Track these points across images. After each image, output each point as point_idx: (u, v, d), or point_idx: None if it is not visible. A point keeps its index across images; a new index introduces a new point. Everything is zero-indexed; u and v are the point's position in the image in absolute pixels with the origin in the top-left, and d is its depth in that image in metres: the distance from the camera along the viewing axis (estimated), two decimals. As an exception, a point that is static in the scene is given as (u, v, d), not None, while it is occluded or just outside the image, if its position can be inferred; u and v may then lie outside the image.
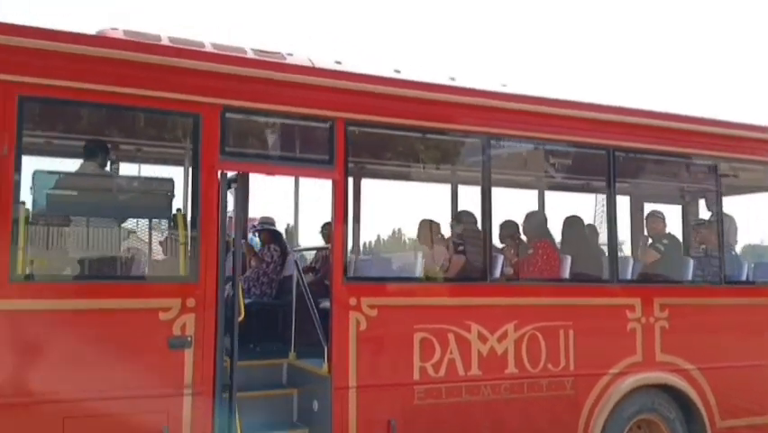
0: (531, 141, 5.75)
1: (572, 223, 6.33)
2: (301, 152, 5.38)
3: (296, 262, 6.07)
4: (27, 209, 4.02)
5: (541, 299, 5.46)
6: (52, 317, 3.97)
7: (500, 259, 5.57)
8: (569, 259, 5.83)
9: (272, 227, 7.15)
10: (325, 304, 5.41)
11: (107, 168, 4.91)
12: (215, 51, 4.59)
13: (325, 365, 4.81)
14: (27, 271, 4.02)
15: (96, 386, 4.00)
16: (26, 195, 4.08)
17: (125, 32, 4.56)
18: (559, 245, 6.10)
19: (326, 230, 7.44)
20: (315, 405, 4.91)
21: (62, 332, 3.98)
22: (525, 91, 5.63)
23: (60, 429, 3.90)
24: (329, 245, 6.79)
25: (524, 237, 6.30)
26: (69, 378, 3.95)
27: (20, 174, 3.96)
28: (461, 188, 7.16)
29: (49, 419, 3.89)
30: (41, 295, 3.98)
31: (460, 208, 6.38)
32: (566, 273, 5.82)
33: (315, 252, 7.56)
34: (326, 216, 7.36)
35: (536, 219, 6.30)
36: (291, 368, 5.45)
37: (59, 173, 4.43)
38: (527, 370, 5.28)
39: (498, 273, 5.48)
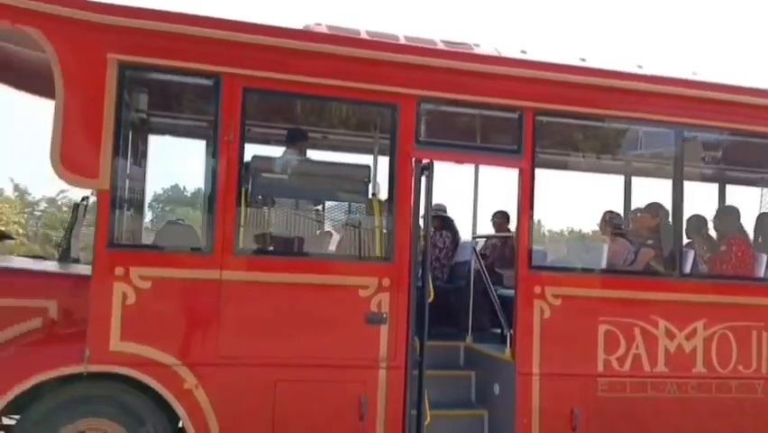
0: (723, 131, 5.50)
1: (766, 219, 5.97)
2: (488, 141, 5.47)
3: (473, 248, 6.20)
4: (247, 190, 4.45)
5: (734, 297, 5.21)
6: (268, 289, 4.38)
7: (691, 254, 5.37)
8: (764, 257, 5.51)
9: (444, 214, 7.33)
10: (502, 291, 5.50)
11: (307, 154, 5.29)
12: (411, 44, 4.79)
13: (508, 351, 4.92)
14: (248, 247, 4.46)
15: (304, 353, 4.36)
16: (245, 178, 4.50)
17: (329, 27, 4.87)
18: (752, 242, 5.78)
19: (497, 219, 7.52)
20: (497, 388, 5.02)
21: (275, 302, 4.37)
22: (718, 80, 5.38)
23: (272, 390, 4.30)
24: (508, 233, 6.91)
25: (712, 233, 6.02)
26: (281, 345, 4.34)
27: (243, 159, 4.40)
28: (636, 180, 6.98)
29: (263, 380, 4.29)
30: (259, 268, 4.39)
31: (648, 201, 6.19)
32: (761, 272, 5.50)
33: (484, 240, 7.65)
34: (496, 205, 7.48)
35: (730, 215, 5.99)
36: (468, 351, 5.60)
37: (271, 158, 4.84)
38: (716, 370, 5.08)
39: (688, 269, 5.30)
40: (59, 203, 39.30)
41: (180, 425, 4.29)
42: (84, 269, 4.79)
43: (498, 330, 5.45)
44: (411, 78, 4.65)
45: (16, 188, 35.93)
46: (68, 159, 4.07)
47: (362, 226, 4.76)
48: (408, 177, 4.62)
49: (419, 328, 4.61)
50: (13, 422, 4.11)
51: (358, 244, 4.71)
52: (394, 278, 4.52)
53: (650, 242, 5.51)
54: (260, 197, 4.66)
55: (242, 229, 4.36)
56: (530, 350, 4.78)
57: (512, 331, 4.88)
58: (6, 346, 4.27)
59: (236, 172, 4.34)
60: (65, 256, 5.78)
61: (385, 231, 4.66)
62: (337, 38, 4.60)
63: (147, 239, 5.54)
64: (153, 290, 4.15)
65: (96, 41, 4.15)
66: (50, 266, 5.30)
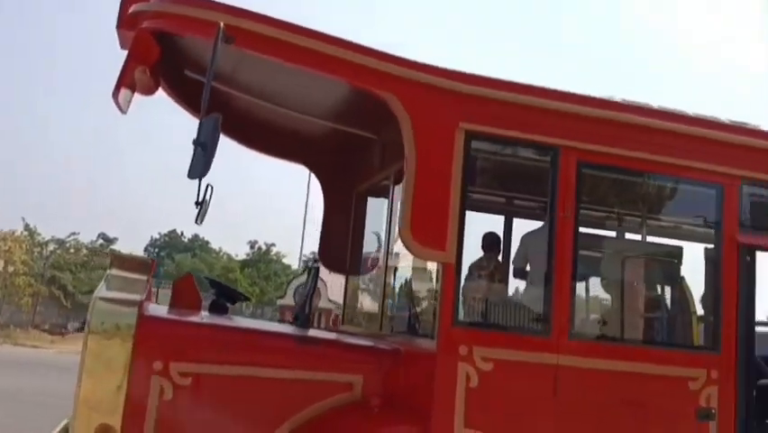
0: None
1: None
2: None
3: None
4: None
5: None
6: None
7: None
8: None
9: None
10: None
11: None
12: (730, 124, 4.61)
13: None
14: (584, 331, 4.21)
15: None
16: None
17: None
18: None
19: None
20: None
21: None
22: None
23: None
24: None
25: None
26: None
27: (576, 233, 4.18)
28: None
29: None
30: (590, 353, 4.13)
31: None
32: None
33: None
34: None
35: None
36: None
37: (594, 236, 4.64)
38: None
39: None
40: (68, 245, 39.88)
41: None
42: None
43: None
44: (735, 159, 4.44)
45: (26, 227, 36.30)
46: (418, 229, 3.88)
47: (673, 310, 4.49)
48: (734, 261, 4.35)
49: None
50: None
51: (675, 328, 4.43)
52: (722, 369, 4.23)
53: None
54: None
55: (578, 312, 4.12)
56: None
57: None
58: (330, 425, 3.99)
59: (569, 249, 4.12)
60: (304, 322, 5.58)
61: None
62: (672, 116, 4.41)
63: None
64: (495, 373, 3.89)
65: (449, 109, 4.01)
66: (354, 339, 5.04)
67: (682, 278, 4.72)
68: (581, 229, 4.34)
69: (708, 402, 4.20)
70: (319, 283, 25.32)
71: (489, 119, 4.09)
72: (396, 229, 5.09)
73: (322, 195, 6.10)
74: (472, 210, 5.03)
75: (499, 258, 5.30)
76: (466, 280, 4.33)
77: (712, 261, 4.45)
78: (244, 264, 50.49)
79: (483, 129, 4.09)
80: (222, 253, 60.73)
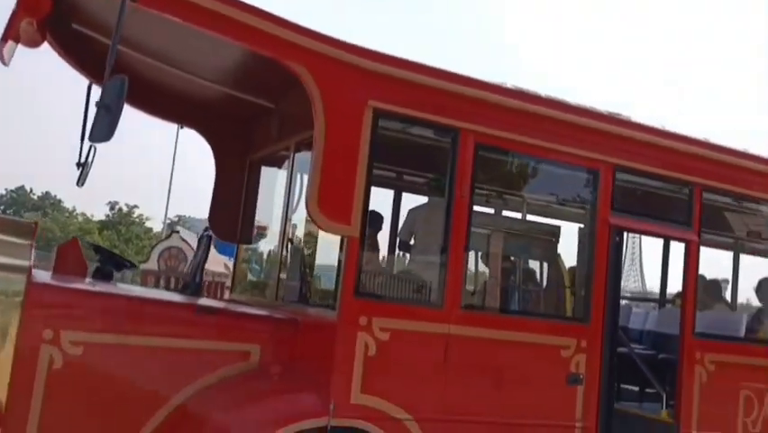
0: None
1: None
2: (666, 213, 5.53)
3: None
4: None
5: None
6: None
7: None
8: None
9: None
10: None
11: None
12: (607, 114, 5.04)
13: (664, 412, 5.20)
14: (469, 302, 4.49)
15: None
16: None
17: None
18: None
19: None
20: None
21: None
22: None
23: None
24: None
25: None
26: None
27: (470, 212, 4.44)
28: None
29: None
30: (478, 323, 4.44)
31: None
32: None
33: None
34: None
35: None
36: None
37: (486, 215, 4.91)
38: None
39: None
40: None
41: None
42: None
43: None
44: (608, 147, 4.88)
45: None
46: (325, 203, 3.96)
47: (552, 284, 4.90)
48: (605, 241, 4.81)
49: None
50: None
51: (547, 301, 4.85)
52: (590, 339, 4.69)
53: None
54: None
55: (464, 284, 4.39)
56: (690, 412, 5.07)
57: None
58: (222, 394, 4.01)
59: (464, 227, 4.37)
60: (195, 289, 5.51)
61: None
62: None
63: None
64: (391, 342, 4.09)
65: (359, 86, 4.08)
66: (251, 308, 4.99)
67: (559, 255, 5.15)
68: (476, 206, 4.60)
69: (578, 369, 4.64)
70: (185, 248, 24.34)
71: (396, 98, 4.21)
72: (295, 200, 5.13)
73: (214, 163, 5.99)
74: (377, 186, 5.21)
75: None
76: (367, 252, 4.46)
77: (586, 240, 4.89)
78: (103, 226, 47.92)
79: (391, 108, 4.21)
80: (76, 213, 57.30)
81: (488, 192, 5.60)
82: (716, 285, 6.62)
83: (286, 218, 5.16)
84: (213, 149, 5.97)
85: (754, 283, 6.76)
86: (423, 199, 5.73)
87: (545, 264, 5.25)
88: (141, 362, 3.91)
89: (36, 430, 3.58)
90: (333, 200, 4.00)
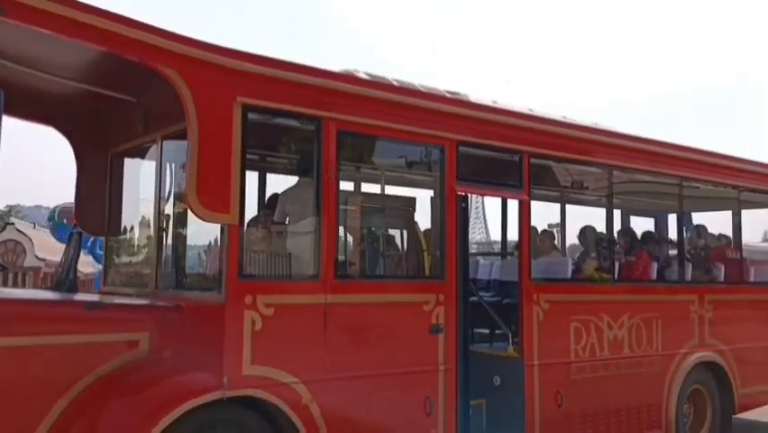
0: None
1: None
2: (501, 177, 6.36)
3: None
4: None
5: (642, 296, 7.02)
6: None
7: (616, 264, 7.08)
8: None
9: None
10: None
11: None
12: (450, 96, 5.71)
13: (511, 348, 6.07)
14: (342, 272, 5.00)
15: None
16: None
17: (367, 74, 5.53)
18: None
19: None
20: (497, 380, 6.13)
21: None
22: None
23: (367, 399, 4.92)
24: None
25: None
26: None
27: (338, 192, 4.93)
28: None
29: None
30: (352, 290, 4.98)
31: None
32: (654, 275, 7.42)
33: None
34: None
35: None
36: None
37: (351, 193, 5.38)
38: (636, 350, 6.78)
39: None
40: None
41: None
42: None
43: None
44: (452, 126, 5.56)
45: None
46: (204, 195, 4.26)
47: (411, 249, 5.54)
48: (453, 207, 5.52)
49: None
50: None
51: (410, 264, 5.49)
52: (447, 294, 5.40)
53: (593, 255, 7.12)
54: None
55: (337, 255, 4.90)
56: (531, 346, 5.96)
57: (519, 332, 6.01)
58: (123, 379, 4.25)
59: (332, 203, 4.86)
60: (69, 286, 5.58)
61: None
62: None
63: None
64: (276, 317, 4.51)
65: (227, 84, 4.38)
66: (133, 299, 5.12)
67: (416, 222, 5.78)
68: (341, 186, 5.09)
69: (438, 320, 5.34)
70: (23, 240, 22.80)
71: (263, 94, 4.56)
72: (166, 190, 5.34)
73: (74, 158, 5.98)
74: (251, 172, 5.55)
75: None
76: (247, 234, 4.81)
77: (437, 207, 5.56)
78: None
79: (258, 102, 4.56)
80: None
81: (351, 171, 6.13)
82: (548, 234, 7.63)
83: (159, 209, 5.35)
84: (72, 145, 5.96)
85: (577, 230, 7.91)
86: (293, 182, 6.16)
87: (405, 232, 5.86)
88: (33, 361, 4.03)
89: None
90: (211, 193, 4.30)
